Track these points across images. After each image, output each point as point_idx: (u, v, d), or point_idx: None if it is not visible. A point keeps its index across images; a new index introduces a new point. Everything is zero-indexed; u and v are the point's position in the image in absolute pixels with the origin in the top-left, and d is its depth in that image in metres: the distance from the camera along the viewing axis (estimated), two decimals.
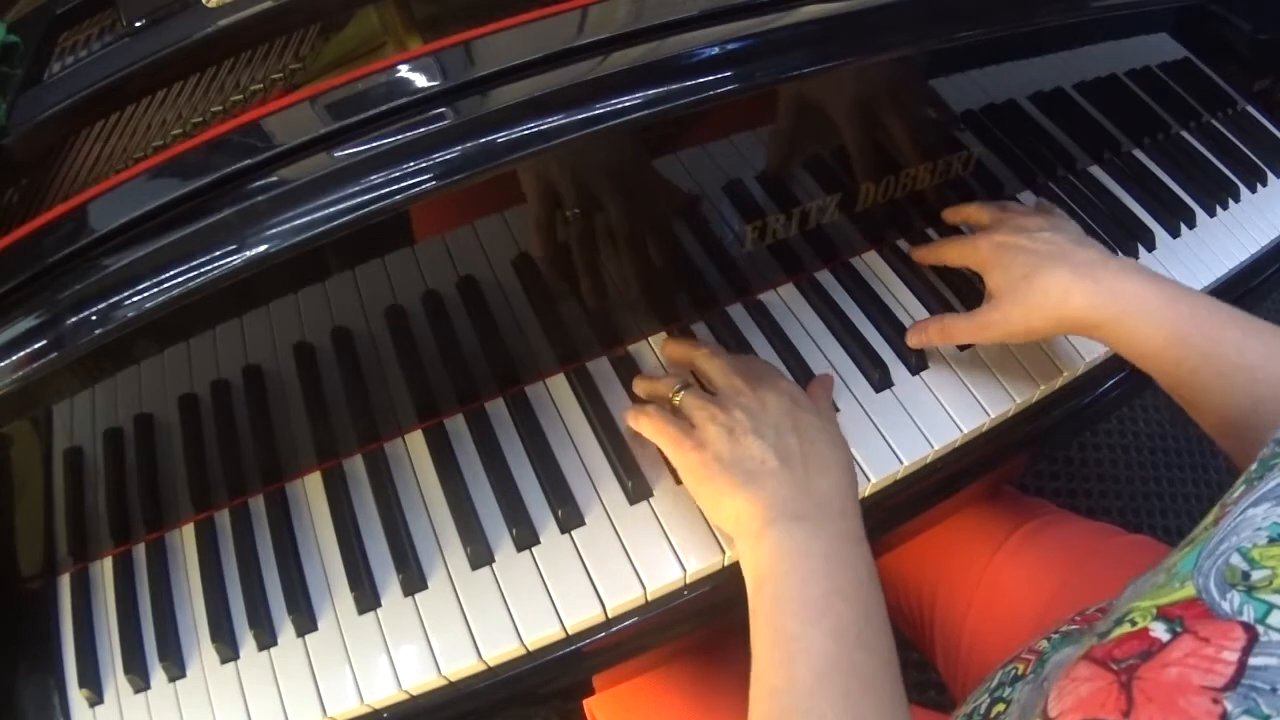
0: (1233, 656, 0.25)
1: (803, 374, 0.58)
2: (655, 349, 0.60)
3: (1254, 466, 0.34)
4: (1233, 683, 0.24)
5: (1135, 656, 0.27)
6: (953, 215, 0.64)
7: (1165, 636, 0.27)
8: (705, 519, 0.52)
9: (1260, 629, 0.25)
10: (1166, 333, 0.48)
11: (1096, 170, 0.73)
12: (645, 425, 0.52)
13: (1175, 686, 0.25)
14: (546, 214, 0.50)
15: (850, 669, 0.41)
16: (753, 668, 0.44)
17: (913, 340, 0.59)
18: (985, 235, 0.57)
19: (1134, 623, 0.29)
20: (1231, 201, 0.74)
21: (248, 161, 0.42)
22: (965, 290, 0.63)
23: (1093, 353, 0.60)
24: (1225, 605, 0.27)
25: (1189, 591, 0.28)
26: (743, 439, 0.48)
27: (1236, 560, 0.28)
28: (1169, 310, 0.49)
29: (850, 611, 0.43)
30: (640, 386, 0.57)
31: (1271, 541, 0.28)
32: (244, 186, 0.42)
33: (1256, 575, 0.27)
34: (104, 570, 0.54)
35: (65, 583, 0.54)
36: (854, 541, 0.47)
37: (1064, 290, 0.51)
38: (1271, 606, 0.26)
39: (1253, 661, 0.24)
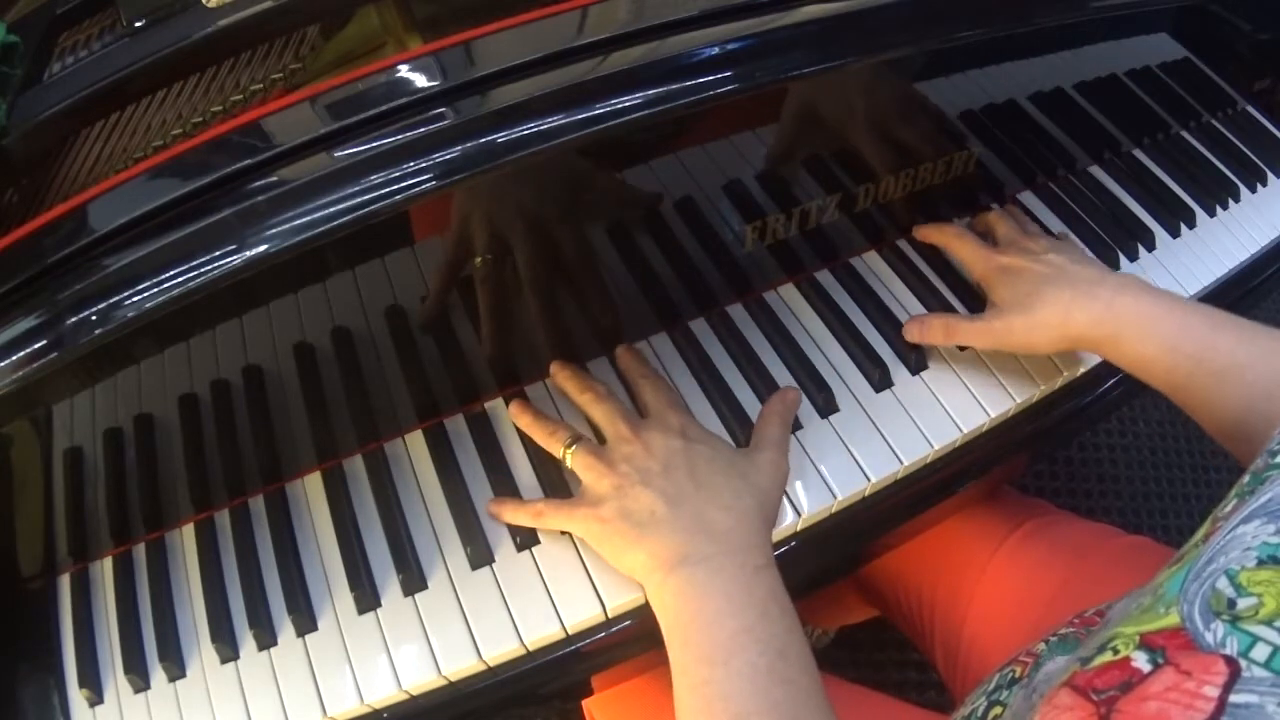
0: (1213, 692, 0.24)
1: (806, 374, 0.58)
2: (654, 349, 0.60)
3: (1246, 479, 0.33)
4: None
5: (1115, 688, 0.27)
6: (976, 222, 0.66)
7: (1146, 668, 0.27)
8: None
9: (1243, 663, 0.25)
10: (1160, 343, 0.50)
11: (1096, 170, 0.73)
12: (528, 518, 0.51)
13: None
14: (542, 216, 0.50)
15: (771, 707, 0.41)
16: (676, 712, 0.44)
17: (910, 334, 0.59)
18: (996, 255, 0.59)
19: (1116, 651, 0.28)
20: (1231, 201, 0.74)
21: (248, 161, 0.42)
22: (964, 291, 0.63)
23: (1093, 354, 0.60)
24: (1209, 636, 0.26)
25: (1173, 620, 0.28)
26: (630, 491, 0.48)
27: (1223, 585, 0.27)
28: (1164, 322, 0.50)
29: (760, 648, 0.42)
30: (518, 418, 0.55)
31: (1260, 564, 0.27)
32: (244, 186, 0.42)
33: (1242, 604, 0.26)
34: (104, 570, 0.54)
35: (65, 583, 0.54)
36: (758, 574, 0.46)
37: (1065, 308, 0.53)
38: (1256, 639, 0.25)
39: (1233, 699, 0.24)
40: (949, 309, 0.62)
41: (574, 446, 0.52)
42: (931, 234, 0.64)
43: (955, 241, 0.62)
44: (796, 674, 0.42)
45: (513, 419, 0.56)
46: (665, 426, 0.51)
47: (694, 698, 0.43)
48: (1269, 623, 0.25)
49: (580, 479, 0.51)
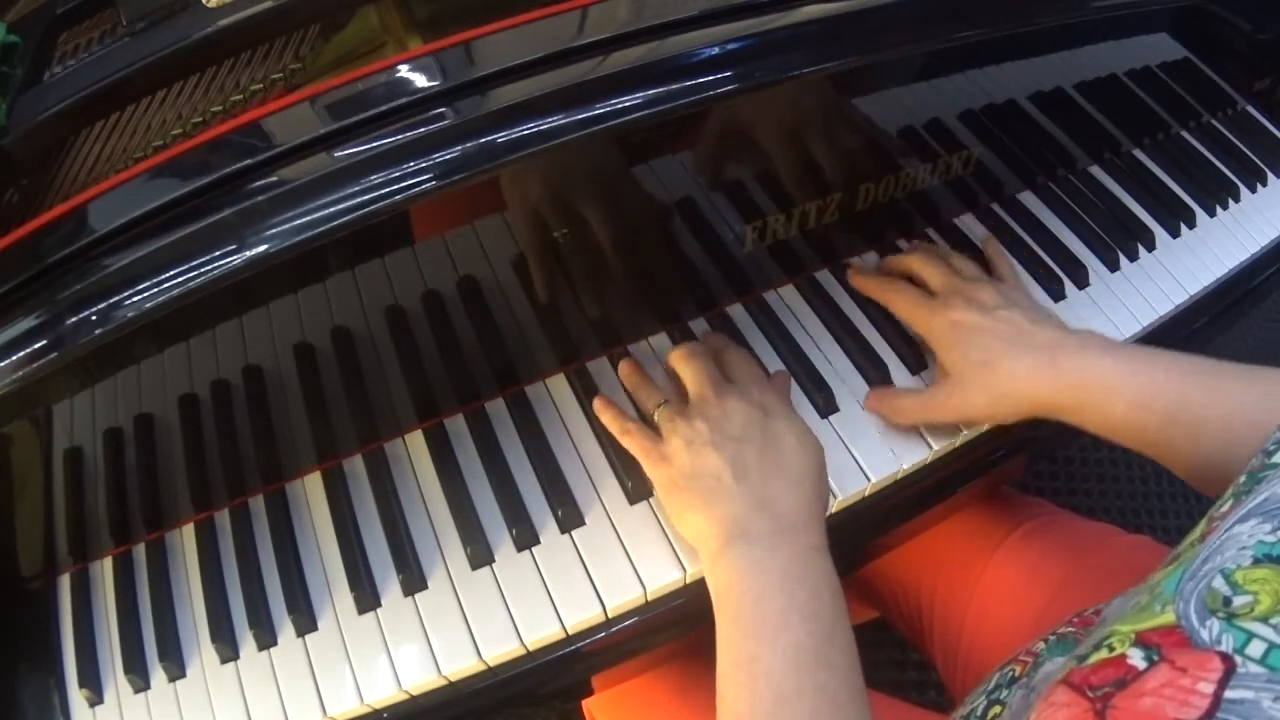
0: (1209, 689, 0.24)
1: (806, 374, 0.58)
2: (655, 349, 0.60)
3: (1242, 479, 0.33)
4: (1207, 716, 0.24)
5: (1111, 684, 0.27)
6: (894, 264, 0.62)
7: (1142, 665, 0.27)
8: None
9: (1238, 659, 0.25)
10: (1128, 404, 0.48)
11: (1096, 170, 0.73)
12: (615, 428, 0.53)
13: (1149, 717, 0.25)
14: (545, 217, 0.50)
15: (814, 689, 0.41)
16: (717, 688, 0.43)
17: (869, 406, 0.57)
18: (941, 308, 0.55)
19: (1112, 648, 0.29)
20: (1231, 201, 0.74)
21: (248, 161, 0.42)
22: None
23: None
24: (1204, 633, 0.26)
25: (1169, 618, 0.28)
26: (701, 451, 0.48)
27: (1219, 583, 0.28)
28: (1130, 382, 0.48)
29: (809, 628, 0.42)
30: (626, 378, 0.57)
31: (1256, 562, 0.27)
32: (244, 186, 0.42)
33: (1238, 601, 0.26)
34: (104, 570, 0.54)
35: (65, 583, 0.54)
36: (812, 555, 0.46)
37: (1028, 380, 0.50)
38: (1251, 635, 0.25)
39: (1229, 694, 0.24)
40: None
41: (663, 406, 0.53)
42: (869, 287, 0.60)
43: (893, 296, 0.58)
44: (842, 659, 0.42)
45: (622, 376, 0.57)
46: (748, 397, 0.51)
47: (737, 673, 0.43)
48: (1264, 619, 0.25)
49: (661, 429, 0.52)
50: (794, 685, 0.41)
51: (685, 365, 0.54)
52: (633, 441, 0.52)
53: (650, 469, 0.51)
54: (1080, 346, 0.50)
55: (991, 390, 0.51)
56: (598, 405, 0.55)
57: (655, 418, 0.53)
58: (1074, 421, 0.51)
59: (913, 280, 0.60)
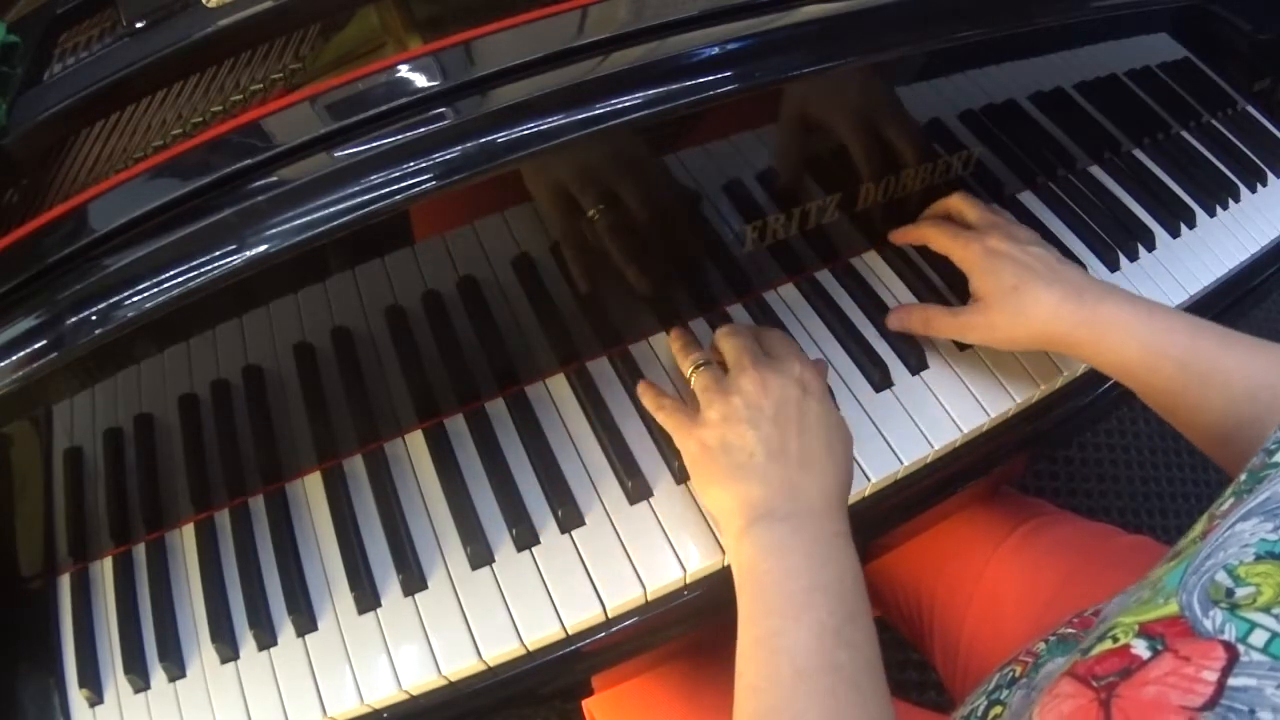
0: (1212, 676, 0.25)
1: None
2: (655, 348, 0.60)
3: (1243, 478, 0.33)
4: (1211, 703, 0.24)
5: (1115, 674, 0.27)
6: (935, 206, 0.64)
7: (1146, 654, 0.27)
8: (705, 518, 0.52)
9: (1241, 648, 0.25)
10: (1142, 344, 0.50)
11: (1096, 170, 0.73)
12: (651, 404, 0.54)
13: (1154, 706, 0.25)
14: (544, 218, 0.50)
15: (834, 667, 0.41)
16: (737, 665, 0.44)
17: (893, 322, 0.60)
18: (977, 237, 0.57)
19: (1116, 639, 0.29)
20: (1231, 201, 0.74)
21: (248, 161, 0.42)
22: (964, 289, 0.63)
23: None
24: (1207, 623, 0.27)
25: (1172, 609, 0.28)
26: (735, 427, 0.49)
27: (1221, 577, 0.28)
28: (1146, 325, 0.50)
29: (831, 607, 0.43)
30: (674, 345, 0.57)
31: (1258, 559, 0.28)
32: (244, 186, 0.42)
33: (1241, 592, 0.27)
34: (104, 570, 0.54)
35: (65, 583, 0.54)
36: (836, 539, 0.46)
37: (1051, 308, 0.52)
38: (1254, 625, 0.25)
39: (1232, 682, 0.24)
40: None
41: (701, 367, 0.53)
42: (908, 234, 0.63)
43: (933, 233, 0.60)
44: (862, 642, 0.43)
45: (670, 339, 0.58)
46: (787, 372, 0.51)
47: (758, 649, 0.43)
48: (1267, 610, 0.26)
49: (698, 400, 0.52)
50: (815, 662, 0.41)
51: (726, 339, 0.54)
52: (667, 416, 0.53)
53: (681, 440, 0.51)
54: (1105, 290, 0.53)
55: (1016, 314, 0.53)
56: (641, 387, 0.56)
57: (692, 381, 0.53)
58: (1088, 358, 0.53)
59: (951, 220, 0.62)
